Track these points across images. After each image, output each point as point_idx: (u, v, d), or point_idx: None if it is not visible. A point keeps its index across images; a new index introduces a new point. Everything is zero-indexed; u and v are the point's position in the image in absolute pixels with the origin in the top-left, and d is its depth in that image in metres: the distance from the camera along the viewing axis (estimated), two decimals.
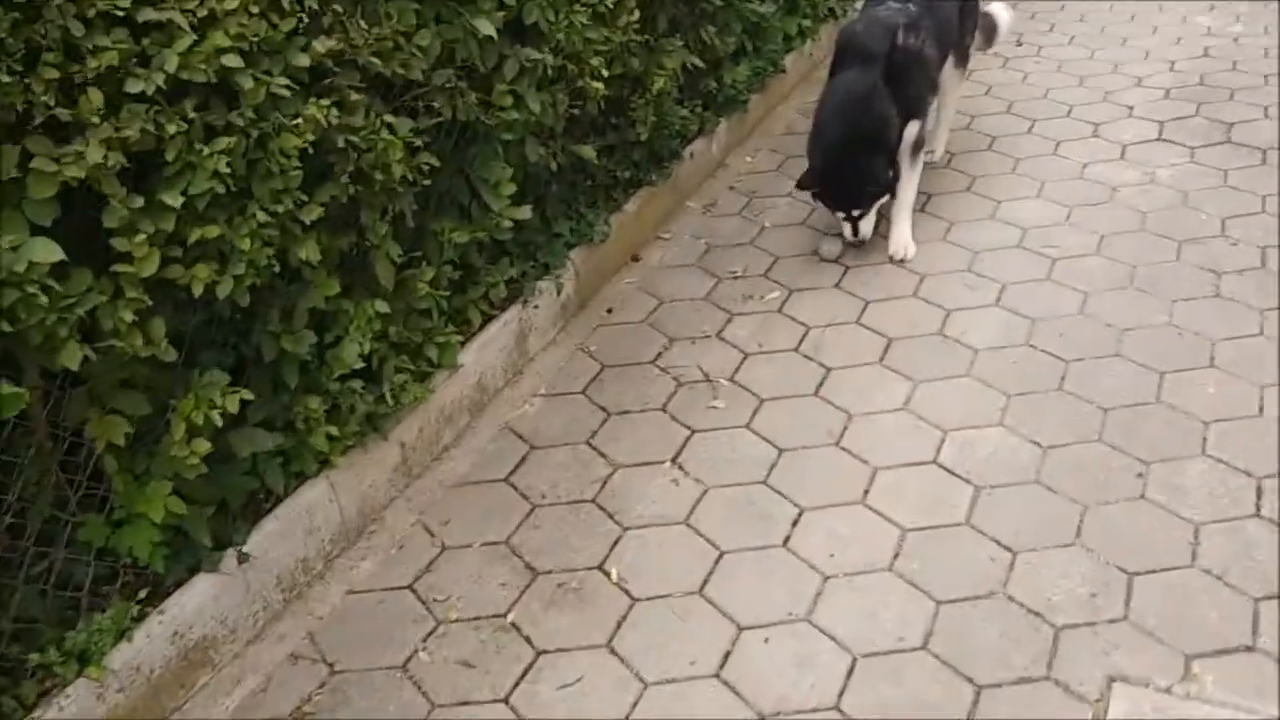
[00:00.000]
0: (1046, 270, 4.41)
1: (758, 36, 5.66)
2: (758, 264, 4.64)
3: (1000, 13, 5.36)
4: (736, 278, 4.56)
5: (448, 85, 3.21)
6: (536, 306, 4.04)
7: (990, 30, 5.33)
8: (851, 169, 4.35)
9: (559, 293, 4.17)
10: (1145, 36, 6.62)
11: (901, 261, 4.55)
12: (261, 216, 2.53)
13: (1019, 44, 6.55)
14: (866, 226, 4.49)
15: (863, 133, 4.34)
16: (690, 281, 4.55)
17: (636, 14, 4.08)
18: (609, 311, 4.37)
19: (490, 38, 3.27)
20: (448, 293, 3.47)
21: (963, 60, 5.02)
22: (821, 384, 3.86)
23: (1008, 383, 3.77)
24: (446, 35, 3.21)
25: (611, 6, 3.91)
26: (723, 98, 5.41)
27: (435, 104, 3.21)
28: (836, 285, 4.45)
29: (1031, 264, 4.46)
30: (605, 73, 3.92)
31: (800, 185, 4.48)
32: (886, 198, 4.48)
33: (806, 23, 6.24)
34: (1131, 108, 5.71)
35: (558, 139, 3.95)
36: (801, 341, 4.11)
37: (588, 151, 4.10)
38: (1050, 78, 6.17)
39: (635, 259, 4.71)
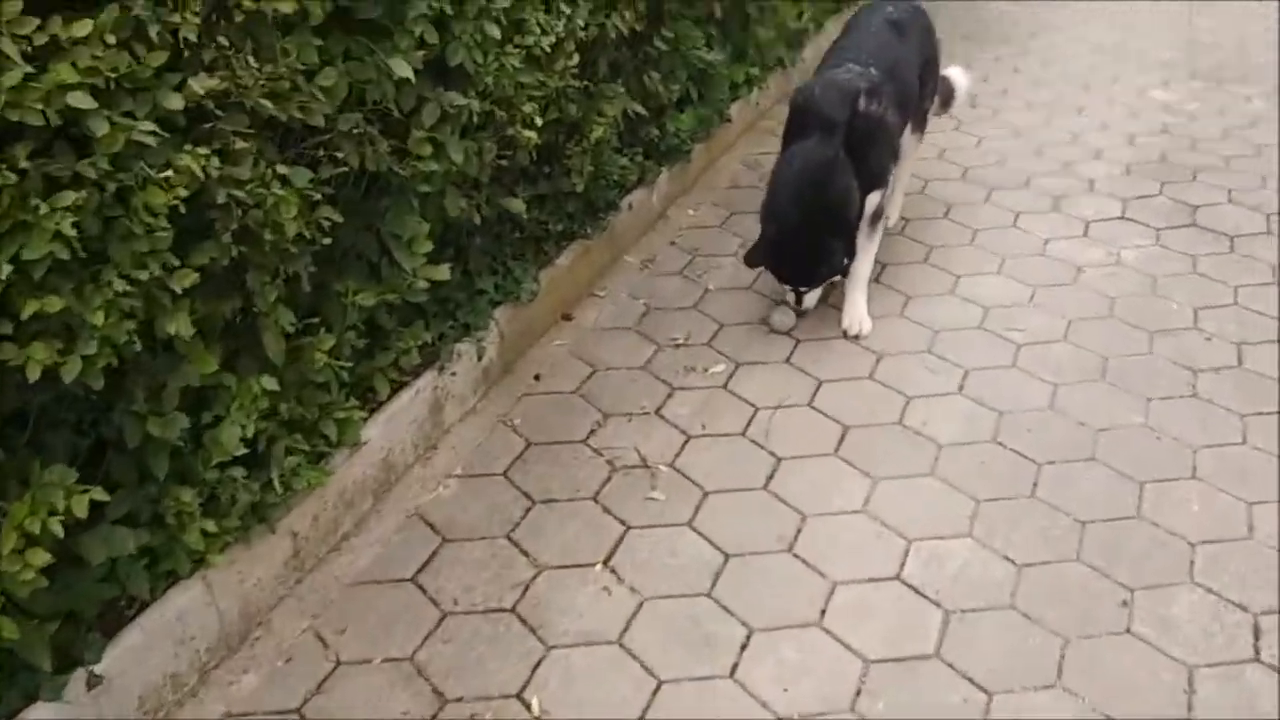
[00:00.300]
0: (1011, 356, 4.08)
1: (703, 84, 5.28)
2: (701, 331, 4.23)
3: (958, 77, 5.08)
4: (678, 345, 4.14)
5: (355, 131, 2.75)
6: (454, 373, 3.58)
7: (948, 94, 5.03)
8: (808, 246, 4.02)
9: (480, 357, 3.71)
10: (1102, 107, 6.41)
11: (856, 337, 4.18)
12: (120, 285, 2.04)
13: (973, 106, 6.29)
14: (812, 300, 4.18)
15: (822, 208, 3.99)
16: (627, 347, 4.12)
17: (575, 58, 3.67)
18: (537, 378, 3.92)
19: (408, 79, 2.82)
20: (350, 363, 3.00)
21: (920, 125, 4.70)
22: (772, 476, 3.45)
23: (975, 485, 3.41)
24: (356, 75, 2.76)
25: (548, 49, 3.49)
26: (665, 146, 5.02)
27: (340, 153, 2.75)
28: (787, 360, 4.06)
29: (995, 348, 4.13)
30: (539, 120, 3.49)
31: (749, 262, 4.22)
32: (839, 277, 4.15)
33: (754, 70, 5.89)
34: (1092, 181, 5.45)
35: (483, 190, 3.50)
36: (749, 424, 3.70)
37: (516, 205, 3.67)
38: (1007, 144, 5.90)
39: (567, 318, 4.28)
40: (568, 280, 4.29)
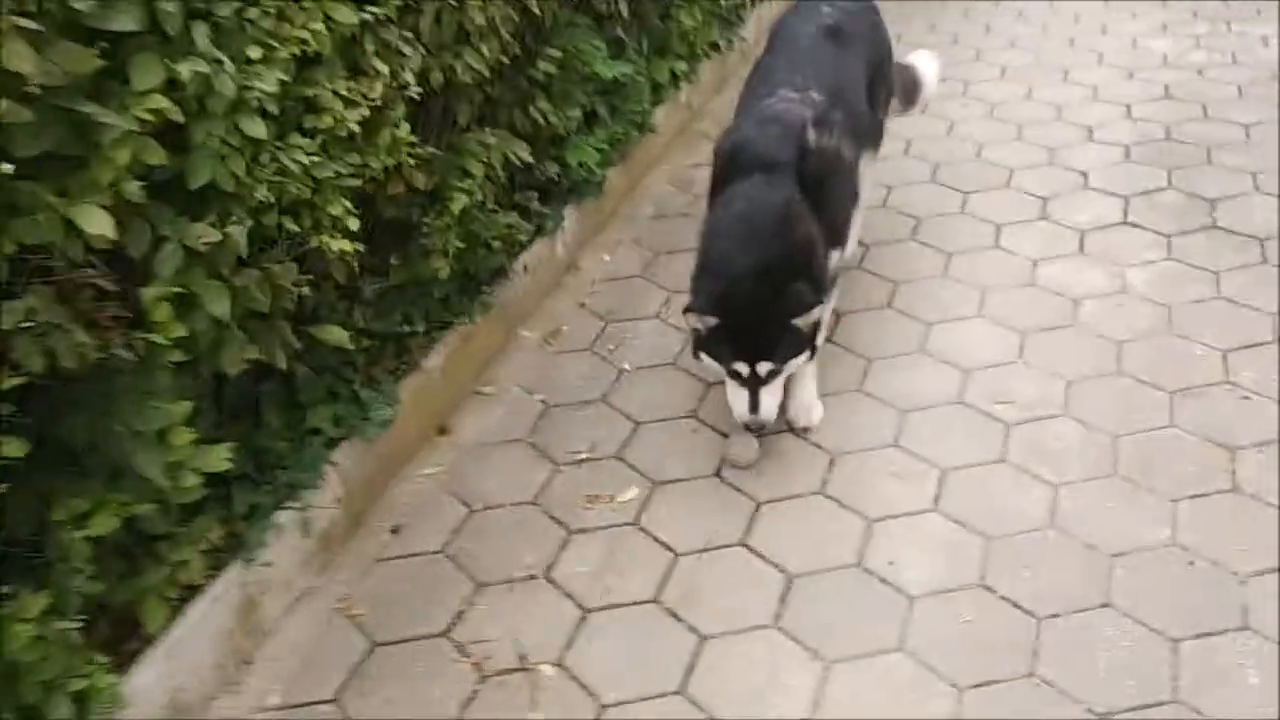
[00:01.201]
0: (1000, 443, 3.24)
1: (615, 95, 4.37)
2: (611, 436, 3.39)
3: (923, 65, 4.17)
4: (581, 461, 3.30)
5: (27, 325, 1.90)
6: (269, 562, 2.73)
7: (911, 88, 4.13)
8: (768, 307, 3.00)
9: (306, 531, 2.86)
10: (1090, 68, 5.48)
11: (805, 430, 3.33)
12: None
13: (941, 80, 5.32)
14: (772, 400, 3.07)
15: (782, 258, 3.07)
16: (516, 470, 3.28)
17: (404, 126, 2.78)
18: (394, 532, 3.09)
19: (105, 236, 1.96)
20: (76, 622, 2.16)
21: (876, 142, 3.79)
22: (691, 671, 2.63)
23: (958, 664, 2.59)
24: (24, 237, 1.89)
25: (361, 122, 2.60)
26: (568, 184, 4.13)
27: (14, 356, 1.90)
28: (716, 474, 3.21)
29: (979, 432, 3.29)
30: (354, 224, 2.62)
31: (692, 309, 3.04)
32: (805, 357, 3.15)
33: (680, 65, 4.96)
34: (1086, 175, 4.56)
35: (280, 324, 2.64)
36: (665, 583, 2.88)
37: (336, 335, 2.82)
38: (982, 127, 5.00)
39: (443, 433, 3.42)
40: (441, 385, 3.43)
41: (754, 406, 3.06)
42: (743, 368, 3.03)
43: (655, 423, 3.43)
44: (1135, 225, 4.19)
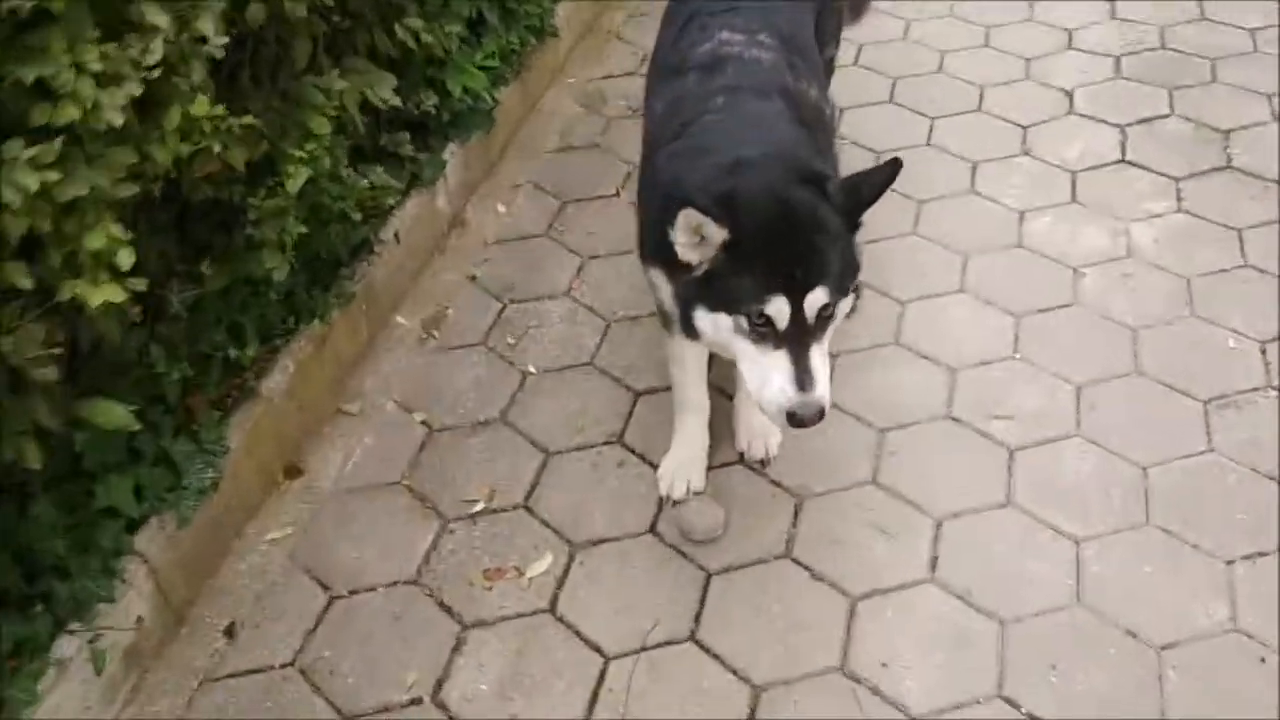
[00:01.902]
0: (1002, 477, 2.59)
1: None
2: (515, 473, 2.64)
3: None
4: (476, 515, 2.54)
5: None
6: None
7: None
8: (811, 207, 2.03)
9: (98, 666, 2.07)
10: None
11: (762, 463, 2.63)
12: None
13: None
14: (827, 368, 2.06)
15: (807, 144, 2.22)
16: (390, 531, 2.52)
17: (204, 96, 1.90)
18: (229, 634, 2.33)
19: None
20: None
21: (828, 84, 2.96)
22: None
23: None
24: None
25: (133, 103, 1.72)
26: (449, 116, 3.25)
27: None
28: (651, 531, 2.50)
29: (975, 461, 2.63)
30: (127, 258, 1.76)
31: (700, 207, 1.95)
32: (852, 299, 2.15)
33: None
34: (1070, 94, 3.83)
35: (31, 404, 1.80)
36: (593, 704, 2.17)
37: (112, 415, 1.97)
38: (943, 31, 4.20)
39: (293, 474, 2.63)
40: (287, 412, 2.62)
41: (805, 376, 2.00)
42: (781, 306, 1.97)
43: (571, 452, 2.68)
44: (1135, 165, 3.50)
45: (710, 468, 2.61)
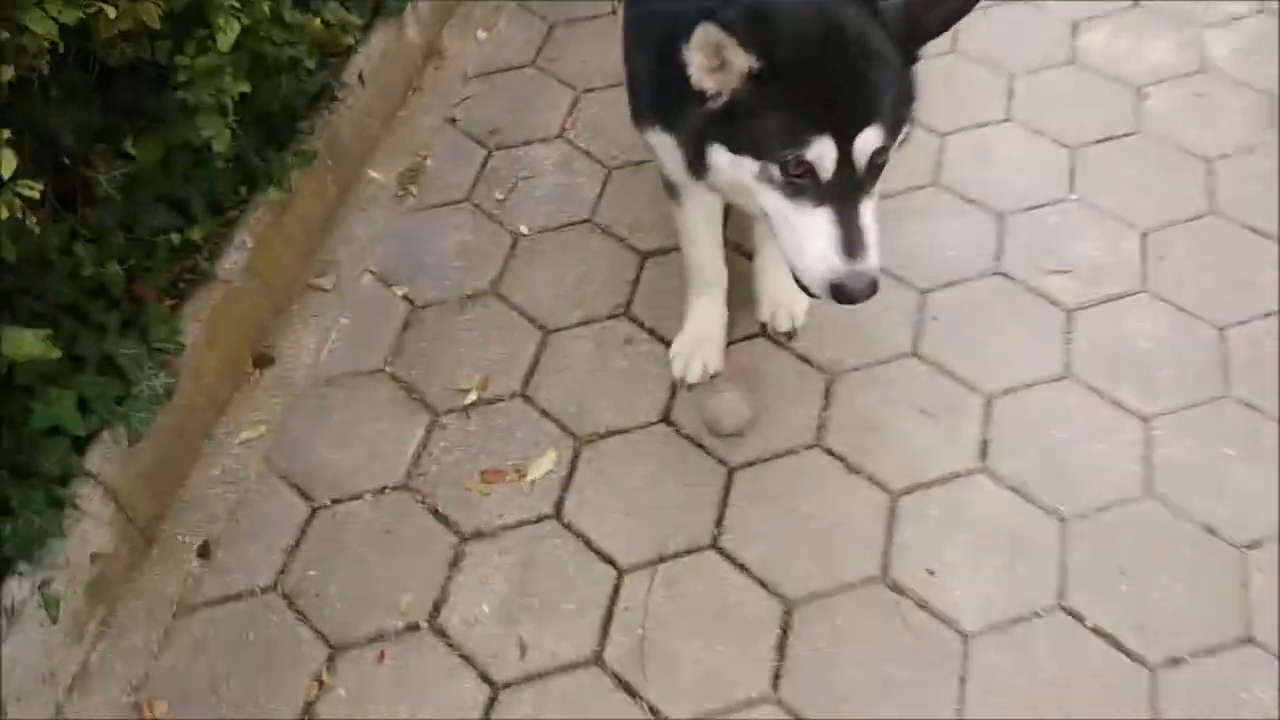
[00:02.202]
0: (1059, 346, 2.32)
1: None
2: (511, 355, 2.36)
3: None
4: (467, 408, 2.27)
5: None
6: None
7: None
8: (852, 27, 1.64)
9: (52, 612, 1.84)
10: None
11: (788, 335, 2.33)
12: None
13: None
14: (875, 223, 1.70)
15: None
16: (374, 426, 2.26)
17: None
18: (203, 555, 2.09)
19: None
20: None
21: None
22: None
23: None
24: None
25: None
26: None
27: None
28: (664, 421, 2.23)
29: (1029, 324, 2.37)
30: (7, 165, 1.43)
31: (723, 24, 1.57)
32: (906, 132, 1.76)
33: None
34: None
35: None
36: (607, 627, 1.97)
37: (23, 344, 1.68)
38: None
39: (262, 363, 2.34)
40: (251, 292, 2.31)
41: (853, 240, 1.65)
42: (825, 151, 1.61)
43: (572, 329, 2.39)
44: None
45: (729, 343, 2.31)
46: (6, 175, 1.39)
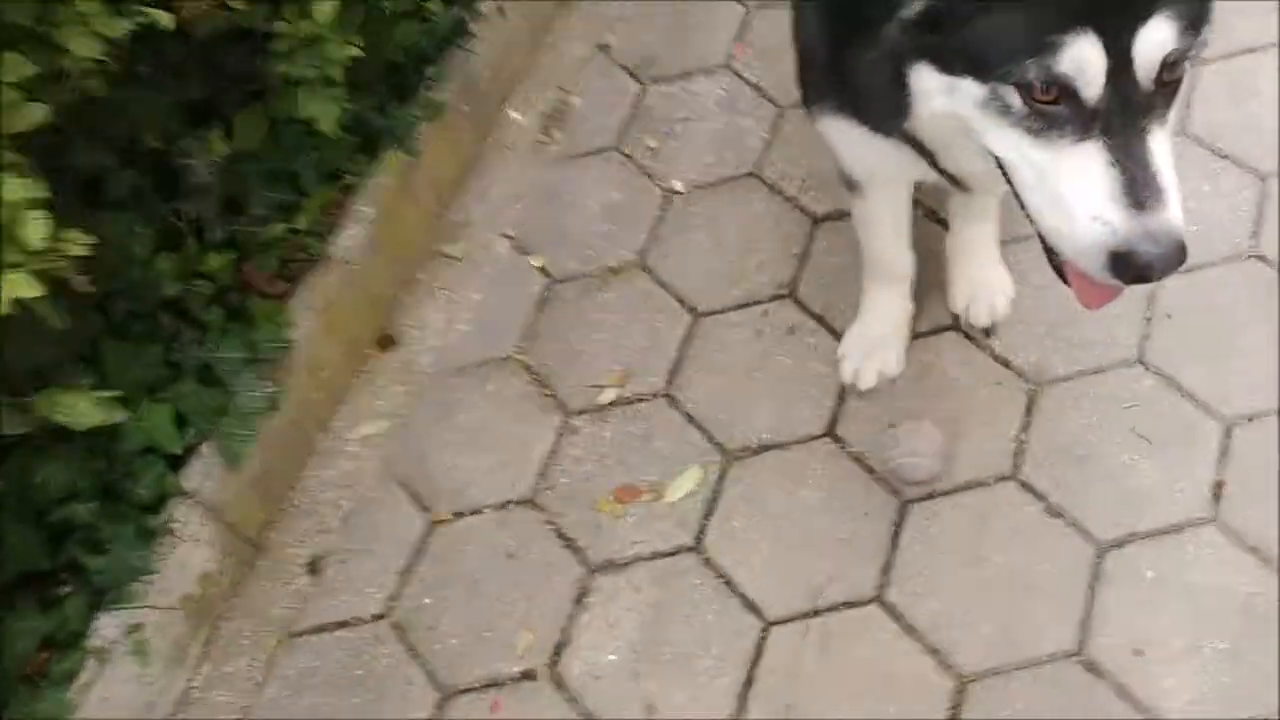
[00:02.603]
0: None
1: None
2: (655, 344, 2.07)
3: None
4: (605, 407, 2.01)
5: None
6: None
7: None
8: None
9: (143, 656, 1.73)
10: None
11: (986, 332, 1.96)
12: None
13: None
14: (1171, 165, 1.20)
15: None
16: (498, 432, 2.03)
17: None
18: (313, 571, 1.94)
19: None
20: None
21: None
22: None
23: None
24: None
25: None
26: None
27: None
28: (830, 434, 1.92)
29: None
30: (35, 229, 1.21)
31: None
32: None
33: None
34: None
35: None
36: (748, 691, 1.71)
37: (74, 411, 1.48)
38: None
39: (386, 344, 2.14)
40: (371, 271, 2.09)
41: (1143, 185, 1.17)
42: (1090, 56, 1.13)
43: (727, 313, 2.08)
44: None
45: (914, 336, 1.96)
46: (36, 243, 1.16)
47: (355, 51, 1.81)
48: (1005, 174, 1.27)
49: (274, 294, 1.95)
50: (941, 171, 1.45)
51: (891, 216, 1.78)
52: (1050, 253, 1.29)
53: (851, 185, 1.70)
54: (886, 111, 1.33)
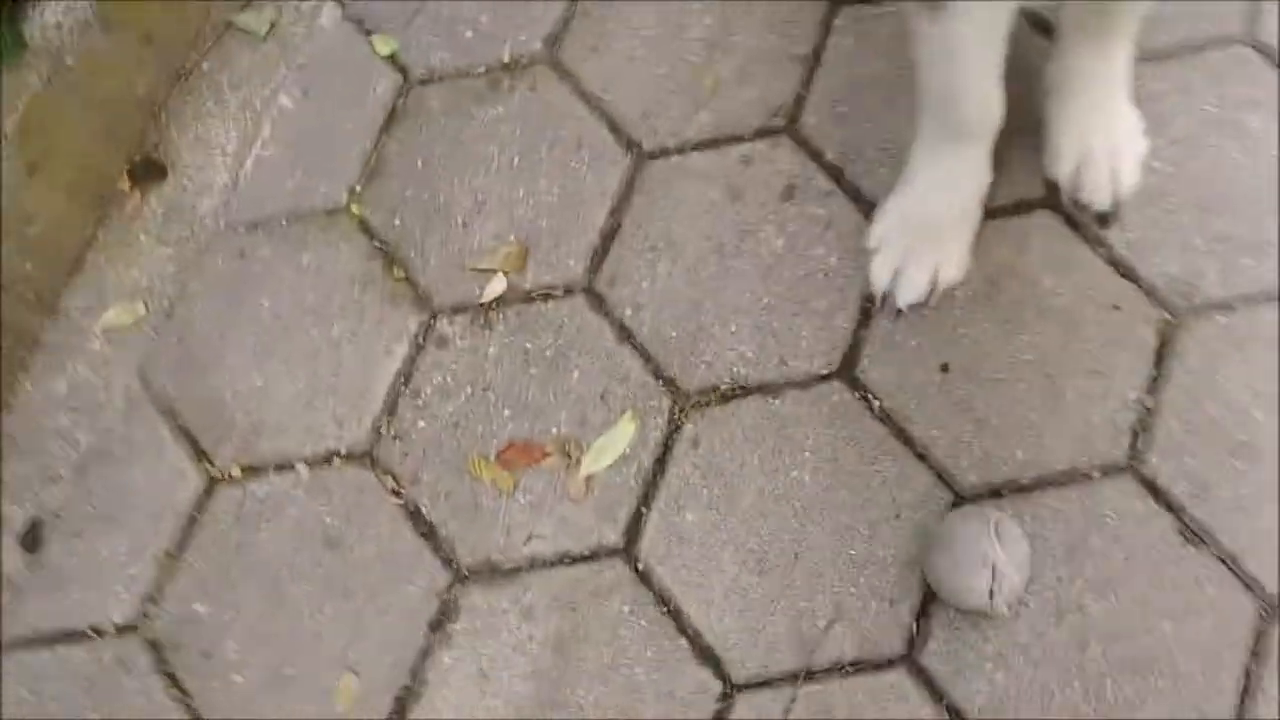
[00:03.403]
0: None
1: None
2: (572, 196, 1.30)
3: None
4: (489, 306, 1.27)
5: None
6: None
7: None
8: None
9: None
10: None
11: (1102, 219, 1.22)
12: None
13: None
14: None
15: None
16: (313, 335, 1.29)
17: None
18: (26, 548, 1.22)
19: None
20: None
21: None
22: None
23: None
24: None
25: None
26: None
27: None
28: (842, 373, 1.21)
29: None
30: None
31: None
32: None
33: None
34: None
35: None
36: None
37: None
38: None
39: (143, 180, 1.35)
40: (111, 63, 1.26)
41: None
42: None
43: (687, 153, 1.32)
44: None
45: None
46: None
47: None
48: None
49: None
50: None
51: (987, 42, 1.00)
52: None
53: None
54: None
